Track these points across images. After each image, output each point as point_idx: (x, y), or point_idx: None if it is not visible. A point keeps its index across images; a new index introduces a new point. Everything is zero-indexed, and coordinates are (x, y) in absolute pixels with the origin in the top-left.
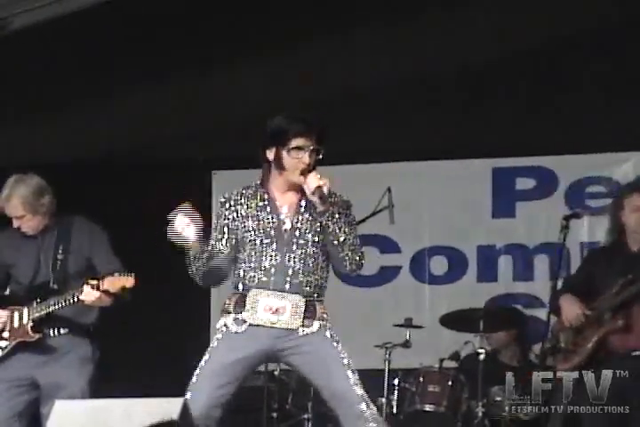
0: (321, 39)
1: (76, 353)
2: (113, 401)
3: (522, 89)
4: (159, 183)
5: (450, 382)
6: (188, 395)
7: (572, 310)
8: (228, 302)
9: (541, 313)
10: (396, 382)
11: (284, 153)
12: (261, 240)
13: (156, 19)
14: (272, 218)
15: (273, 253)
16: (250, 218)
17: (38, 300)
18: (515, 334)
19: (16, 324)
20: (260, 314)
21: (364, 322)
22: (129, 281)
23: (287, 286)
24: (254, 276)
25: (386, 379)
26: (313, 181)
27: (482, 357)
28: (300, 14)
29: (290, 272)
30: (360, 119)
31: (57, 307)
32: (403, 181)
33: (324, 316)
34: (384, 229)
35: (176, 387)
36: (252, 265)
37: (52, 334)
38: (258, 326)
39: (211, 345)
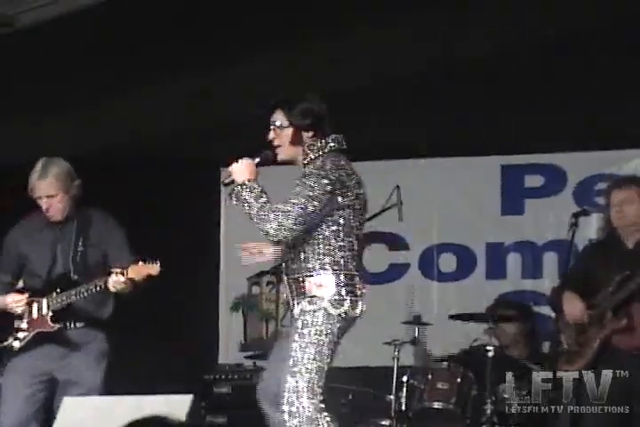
0: (325, 36)
1: (92, 349)
2: (121, 398)
3: (531, 86)
4: (169, 181)
5: (458, 380)
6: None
7: (575, 308)
8: None
9: (550, 311)
10: (404, 379)
11: None
12: None
13: (158, 17)
14: None
15: None
16: None
17: (58, 290)
18: (524, 330)
19: (35, 315)
20: None
21: (373, 319)
22: (154, 269)
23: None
24: None
25: (394, 376)
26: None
27: (490, 354)
28: (301, 13)
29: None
30: (368, 116)
31: (79, 297)
32: (411, 179)
33: (307, 293)
34: (393, 226)
35: (184, 384)
36: None
37: (68, 327)
38: None
39: None
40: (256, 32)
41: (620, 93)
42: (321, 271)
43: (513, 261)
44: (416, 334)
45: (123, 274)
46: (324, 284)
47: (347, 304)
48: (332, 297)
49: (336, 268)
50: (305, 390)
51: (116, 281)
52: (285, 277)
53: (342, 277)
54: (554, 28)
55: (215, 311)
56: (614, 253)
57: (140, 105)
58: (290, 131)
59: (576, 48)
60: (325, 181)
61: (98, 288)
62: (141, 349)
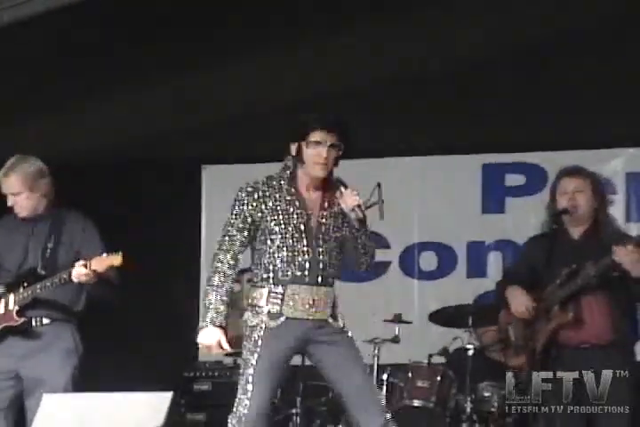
0: (313, 38)
1: (59, 346)
2: (101, 395)
3: (511, 85)
4: (149, 178)
5: (438, 378)
6: (245, 397)
7: (520, 302)
8: (257, 296)
9: None
10: (384, 377)
11: (304, 147)
12: (292, 235)
13: (146, 16)
14: (301, 213)
15: (305, 249)
16: (280, 212)
17: (25, 284)
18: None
19: (1, 310)
20: (299, 308)
21: (353, 317)
22: (116, 260)
23: (320, 279)
24: (288, 270)
25: (375, 374)
26: (350, 199)
27: (470, 352)
28: (293, 14)
29: (321, 266)
30: (350, 115)
31: (43, 289)
32: (393, 177)
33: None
34: (374, 224)
35: (164, 381)
36: (285, 259)
37: (34, 324)
38: (294, 318)
39: (254, 344)
40: (244, 31)
41: (601, 93)
42: None
43: (494, 259)
44: (397, 333)
45: (86, 266)
46: None
47: None
48: None
49: None
50: None
51: (78, 272)
52: (316, 288)
53: None
54: (536, 28)
55: (196, 309)
56: (559, 245)
57: (126, 105)
58: (337, 152)
59: (554, 48)
60: None
61: (62, 280)
62: (121, 346)
